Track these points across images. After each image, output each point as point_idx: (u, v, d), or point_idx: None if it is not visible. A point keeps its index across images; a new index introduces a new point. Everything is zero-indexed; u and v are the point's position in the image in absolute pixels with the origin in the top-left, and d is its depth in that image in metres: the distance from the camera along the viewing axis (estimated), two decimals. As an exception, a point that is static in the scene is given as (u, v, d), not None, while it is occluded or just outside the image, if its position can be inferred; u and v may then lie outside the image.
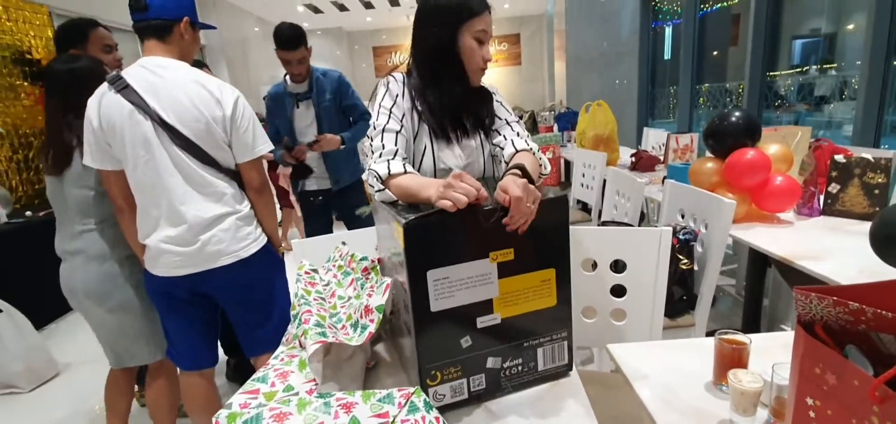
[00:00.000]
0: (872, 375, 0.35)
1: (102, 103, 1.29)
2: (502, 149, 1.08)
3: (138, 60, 1.33)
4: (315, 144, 2.25)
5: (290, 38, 2.17)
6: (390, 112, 1.05)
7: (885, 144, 2.97)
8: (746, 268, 2.06)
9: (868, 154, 1.67)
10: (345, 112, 2.39)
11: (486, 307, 0.81)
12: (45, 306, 2.68)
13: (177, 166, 1.31)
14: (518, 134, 1.09)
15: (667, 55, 5.82)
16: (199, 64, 2.04)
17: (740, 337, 0.81)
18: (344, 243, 1.16)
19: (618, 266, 1.32)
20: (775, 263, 1.89)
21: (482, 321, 0.81)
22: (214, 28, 1.77)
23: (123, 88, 1.28)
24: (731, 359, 0.80)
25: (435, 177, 1.06)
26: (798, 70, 4.34)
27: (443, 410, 0.83)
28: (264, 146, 1.42)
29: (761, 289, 2.04)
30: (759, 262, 1.98)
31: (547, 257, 0.83)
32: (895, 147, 2.93)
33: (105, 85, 1.30)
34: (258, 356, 1.53)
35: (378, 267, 1.05)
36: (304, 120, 2.32)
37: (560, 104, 6.65)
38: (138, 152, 1.29)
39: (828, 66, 4.27)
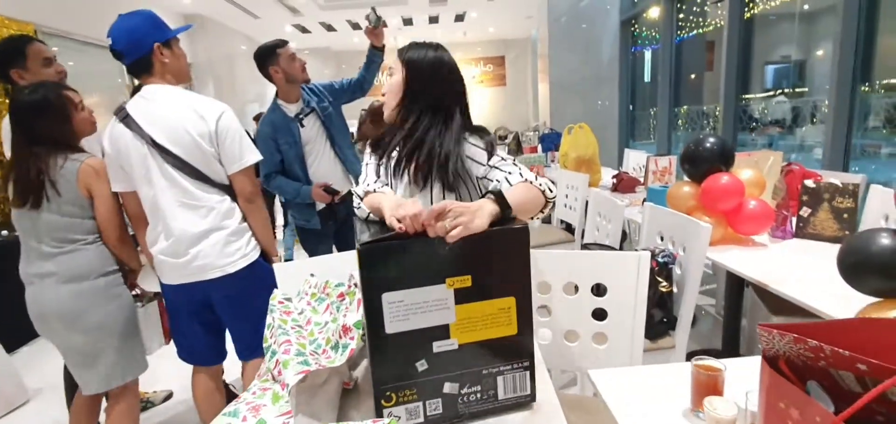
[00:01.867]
0: (833, 411, 0.36)
1: (112, 134, 1.45)
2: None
3: (140, 91, 1.48)
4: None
5: (281, 40, 2.23)
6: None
7: (856, 166, 3.08)
8: (725, 289, 2.11)
9: (837, 179, 1.73)
10: (345, 95, 2.40)
11: (442, 331, 0.81)
12: (15, 329, 2.57)
13: (170, 183, 1.43)
14: (510, 173, 1.07)
15: (646, 78, 5.99)
16: None
17: (715, 364, 0.82)
18: (312, 275, 1.15)
19: (599, 290, 1.34)
20: (752, 284, 1.93)
21: (439, 346, 0.81)
22: (190, 27, 1.78)
23: (124, 118, 1.43)
24: (707, 386, 0.81)
25: None
26: (770, 94, 4.50)
27: None
28: (251, 156, 1.49)
29: (739, 310, 2.08)
30: (737, 284, 2.03)
31: (506, 286, 0.82)
32: (864, 169, 3.05)
33: (113, 117, 1.46)
34: (247, 361, 1.66)
35: (354, 291, 1.04)
36: (312, 134, 2.27)
37: (544, 125, 6.76)
38: (140, 173, 1.44)
39: (799, 90, 4.44)
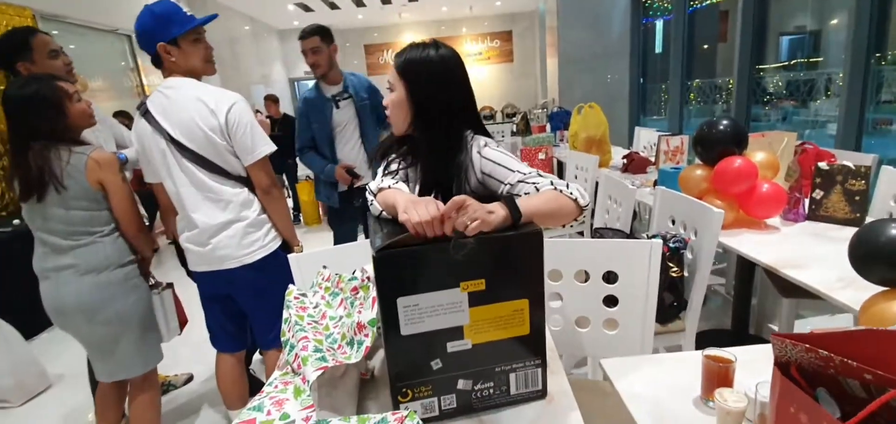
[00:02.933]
0: (839, 417, 0.38)
1: (137, 129, 1.52)
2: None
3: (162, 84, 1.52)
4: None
5: (304, 30, 2.35)
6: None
7: (871, 140, 3.02)
8: (735, 271, 2.11)
9: (849, 162, 1.71)
10: (376, 110, 2.49)
11: (456, 333, 0.83)
12: (34, 316, 2.64)
13: (188, 176, 1.48)
14: (538, 186, 0.97)
15: (658, 49, 5.87)
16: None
17: (726, 355, 0.84)
18: (325, 267, 1.18)
19: (610, 277, 1.35)
20: (762, 266, 1.94)
21: (452, 346, 0.83)
22: (210, 18, 1.57)
23: (145, 113, 1.48)
24: (718, 376, 0.83)
25: None
26: (784, 66, 4.40)
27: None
28: (265, 147, 1.49)
29: (750, 292, 2.09)
30: (748, 265, 2.03)
31: (520, 289, 0.83)
32: (875, 146, 3.00)
33: (136, 112, 1.53)
34: (268, 350, 1.72)
35: (367, 285, 1.07)
36: (344, 118, 2.39)
37: (552, 102, 6.68)
38: (162, 167, 1.50)
39: (813, 61, 4.33)
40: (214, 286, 1.61)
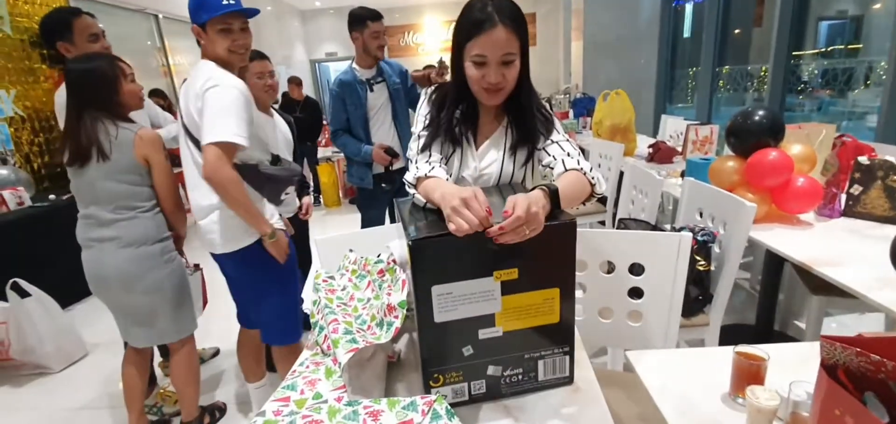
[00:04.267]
0: (887, 422, 0.37)
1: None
2: (552, 168, 1.07)
3: None
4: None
5: (376, 12, 2.38)
6: (425, 117, 1.15)
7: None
8: (763, 265, 2.06)
9: (892, 156, 1.64)
10: (408, 95, 2.54)
11: (488, 320, 0.84)
12: (70, 287, 2.77)
13: (189, 156, 1.53)
14: (568, 154, 1.06)
15: (686, 33, 5.67)
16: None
17: (758, 352, 0.83)
18: (351, 251, 1.19)
19: (635, 269, 1.34)
20: (791, 262, 1.89)
21: (484, 333, 0.84)
22: (235, 7, 1.48)
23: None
24: (749, 374, 0.82)
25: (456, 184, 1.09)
26: (822, 52, 4.21)
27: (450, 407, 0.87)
28: (224, 133, 1.36)
29: (777, 288, 2.04)
30: (776, 261, 1.98)
31: (551, 278, 0.84)
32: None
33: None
34: (246, 329, 1.81)
35: (393, 267, 1.08)
36: (378, 101, 2.43)
37: (575, 88, 6.55)
38: (182, 143, 1.56)
39: (853, 48, 4.13)
40: (221, 264, 1.67)
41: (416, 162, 1.09)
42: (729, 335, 1.64)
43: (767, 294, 2.02)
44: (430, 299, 0.80)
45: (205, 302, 1.94)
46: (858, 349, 0.42)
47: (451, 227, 0.77)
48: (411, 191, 1.02)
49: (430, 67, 4.14)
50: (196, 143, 1.48)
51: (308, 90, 7.75)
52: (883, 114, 2.77)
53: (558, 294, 0.85)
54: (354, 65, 2.40)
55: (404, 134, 2.49)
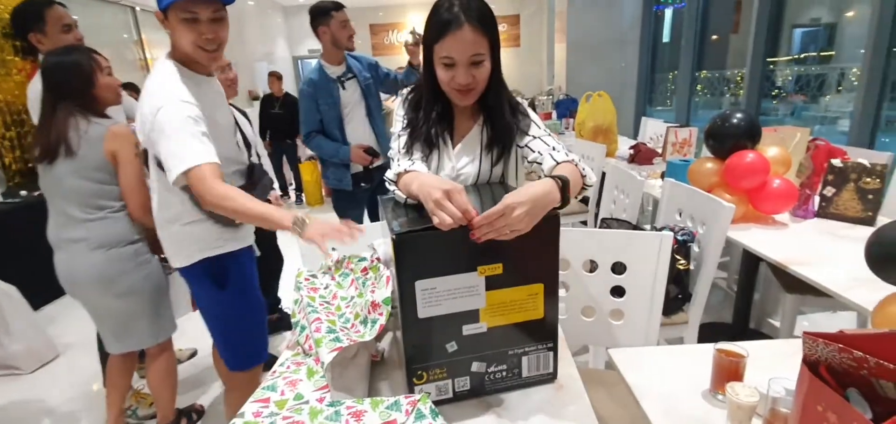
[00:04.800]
0: (870, 419, 0.38)
1: None
2: (540, 164, 1.05)
3: None
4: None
5: (339, 2, 2.27)
6: (403, 118, 1.14)
7: (885, 138, 2.98)
8: (739, 265, 2.11)
9: (864, 159, 1.70)
10: (383, 83, 2.47)
11: (472, 316, 0.83)
12: (41, 287, 2.68)
13: (148, 163, 1.38)
14: (554, 148, 1.05)
15: (665, 38, 5.78)
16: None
17: (738, 350, 0.84)
18: (334, 249, 1.16)
19: (617, 268, 1.35)
20: (767, 261, 1.93)
21: (468, 329, 0.84)
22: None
23: None
24: (729, 371, 0.83)
25: None
26: (795, 59, 4.34)
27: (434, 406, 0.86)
28: (193, 159, 1.15)
29: (753, 286, 2.09)
30: (752, 260, 2.03)
31: (536, 273, 0.84)
32: (892, 144, 2.97)
33: None
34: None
35: (377, 265, 1.06)
36: (352, 99, 2.34)
37: (559, 89, 6.61)
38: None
39: (826, 54, 4.28)
40: None
41: (398, 160, 1.08)
42: (707, 334, 1.67)
43: (744, 293, 2.07)
44: (414, 294, 0.80)
45: (194, 304, 1.87)
46: (841, 346, 0.42)
47: (435, 220, 0.76)
48: (392, 188, 1.01)
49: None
50: (150, 155, 1.31)
51: (290, 87, 7.64)
52: (856, 118, 2.86)
53: (542, 290, 0.86)
54: (323, 62, 2.28)
55: (380, 130, 2.42)
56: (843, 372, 0.43)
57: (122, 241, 1.53)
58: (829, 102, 4.12)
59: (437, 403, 0.88)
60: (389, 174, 1.03)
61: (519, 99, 1.18)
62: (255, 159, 1.57)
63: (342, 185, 2.41)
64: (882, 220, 1.70)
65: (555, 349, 0.91)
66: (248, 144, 1.58)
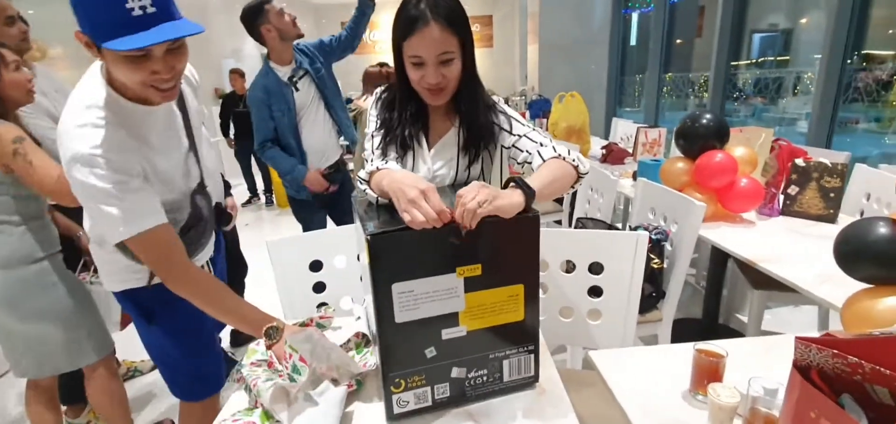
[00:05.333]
0: (866, 425, 0.37)
1: None
2: (530, 163, 1.04)
3: None
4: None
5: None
6: (376, 118, 1.11)
7: (845, 138, 3.13)
8: (708, 263, 2.16)
9: (826, 159, 1.76)
10: (333, 55, 2.29)
11: (451, 319, 0.81)
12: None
13: None
14: (542, 144, 1.04)
15: (632, 41, 5.92)
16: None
17: (717, 350, 0.84)
18: (257, 343, 1.01)
19: (594, 268, 1.35)
20: (735, 258, 1.99)
21: (447, 333, 0.81)
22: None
23: None
24: (708, 371, 0.83)
25: None
26: (755, 63, 4.53)
27: (409, 415, 0.84)
28: (118, 234, 0.95)
29: (721, 283, 2.14)
30: (721, 257, 2.08)
31: (515, 274, 0.82)
32: (845, 144, 3.12)
33: None
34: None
35: (358, 345, 1.01)
36: (307, 99, 2.17)
37: (531, 89, 6.67)
38: None
39: (782, 59, 4.49)
40: None
41: (372, 159, 1.05)
42: (677, 330, 1.70)
43: (713, 290, 2.12)
44: (391, 297, 0.76)
45: (123, 322, 1.73)
46: (835, 351, 0.42)
47: (407, 218, 0.74)
48: (364, 187, 0.98)
49: (383, 64, 4.06)
50: None
51: (258, 85, 7.40)
52: (814, 120, 2.99)
53: (523, 291, 0.84)
54: (272, 64, 2.10)
55: (340, 119, 2.28)
56: (836, 378, 0.43)
57: (25, 260, 1.35)
58: (786, 104, 4.32)
59: (415, 412, 0.84)
60: (362, 174, 1.00)
61: (495, 98, 1.16)
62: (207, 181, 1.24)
63: (301, 195, 2.26)
64: (843, 217, 1.77)
65: (536, 352, 0.89)
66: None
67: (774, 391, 0.74)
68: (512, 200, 0.78)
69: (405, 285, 0.76)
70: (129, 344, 1.62)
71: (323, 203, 2.34)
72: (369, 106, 1.15)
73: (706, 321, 2.17)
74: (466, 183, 1.12)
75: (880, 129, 3.50)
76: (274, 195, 5.43)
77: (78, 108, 0.96)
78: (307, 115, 2.18)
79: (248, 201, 5.48)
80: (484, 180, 1.15)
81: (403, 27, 0.96)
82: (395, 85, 1.11)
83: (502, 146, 1.12)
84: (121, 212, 0.94)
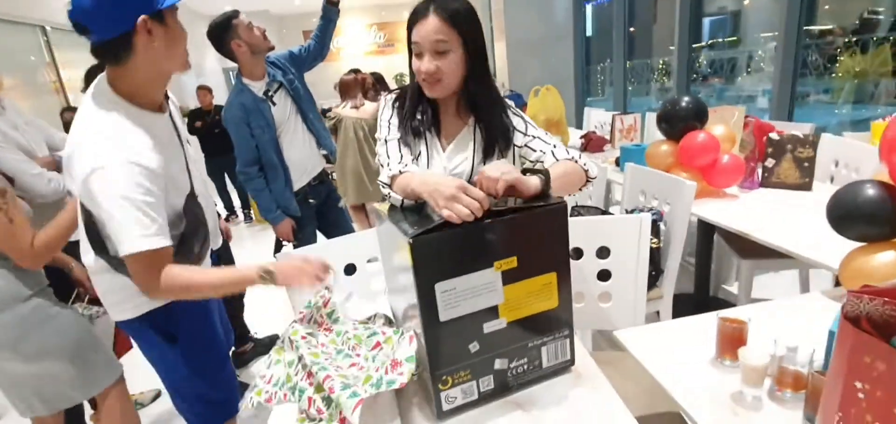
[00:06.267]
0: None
1: None
2: (542, 162, 1.09)
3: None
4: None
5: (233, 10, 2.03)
6: (389, 123, 1.14)
7: (799, 111, 3.33)
8: (697, 238, 2.27)
9: (798, 131, 1.89)
10: (304, 65, 2.26)
11: (492, 313, 0.84)
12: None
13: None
14: (555, 146, 1.11)
15: (589, 32, 6.11)
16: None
17: (740, 317, 0.91)
18: (328, 289, 1.08)
19: (601, 252, 1.41)
20: (719, 231, 2.10)
21: (489, 327, 0.85)
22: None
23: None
24: (732, 337, 0.89)
25: None
26: (708, 45, 4.77)
27: (458, 410, 0.86)
28: (129, 244, 0.96)
29: (710, 257, 2.25)
30: (708, 232, 2.19)
31: (548, 262, 0.86)
32: (802, 117, 3.33)
33: None
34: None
35: (391, 338, 1.00)
36: (285, 113, 2.12)
37: (502, 86, 6.77)
38: None
39: (731, 41, 4.75)
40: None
41: (389, 163, 1.08)
42: (675, 305, 1.79)
43: (703, 264, 2.23)
44: (435, 297, 0.79)
45: (125, 347, 1.68)
46: (886, 299, 0.47)
47: (447, 214, 0.77)
48: (386, 191, 1.02)
49: (357, 71, 4.04)
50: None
51: (222, 100, 7.22)
52: (775, 95, 3.16)
53: (556, 278, 0.87)
54: (245, 81, 2.03)
55: (318, 130, 2.24)
56: (884, 324, 0.48)
57: (18, 298, 1.30)
58: (742, 82, 4.56)
59: (462, 407, 0.87)
60: (383, 178, 1.04)
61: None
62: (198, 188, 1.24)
63: (290, 211, 2.21)
64: (817, 184, 1.90)
65: (571, 336, 0.93)
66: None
67: (795, 348, 0.81)
68: (530, 180, 0.85)
69: (447, 283, 0.79)
70: (128, 377, 1.57)
71: (309, 218, 2.31)
72: (381, 109, 1.17)
73: (698, 295, 2.28)
74: (472, 174, 1.16)
75: (831, 100, 3.76)
76: (252, 212, 5.31)
77: (96, 121, 1.00)
78: (287, 129, 2.14)
79: (226, 220, 5.35)
80: None
81: (410, 20, 1.04)
82: (405, 87, 1.15)
83: (515, 145, 1.16)
84: (145, 220, 0.96)
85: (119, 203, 0.94)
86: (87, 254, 1.15)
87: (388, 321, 1.06)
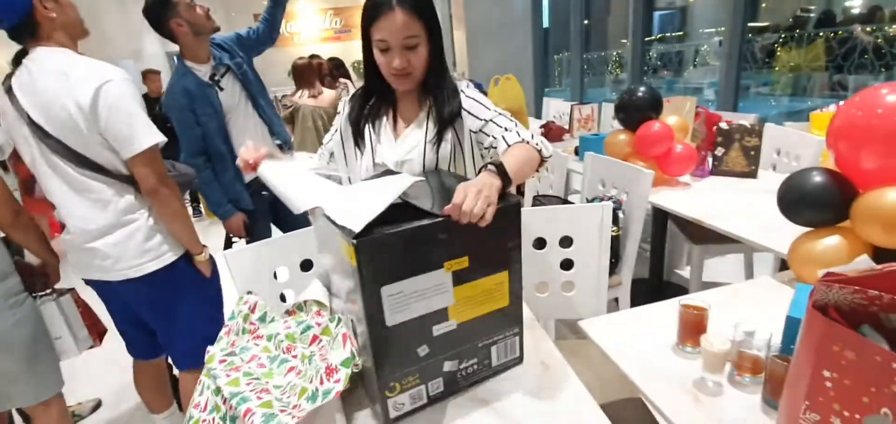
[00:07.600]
0: (888, 349, 0.42)
1: (2, 108, 1.26)
2: (495, 149, 1.04)
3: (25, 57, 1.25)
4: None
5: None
6: (346, 112, 1.16)
7: (741, 102, 3.50)
8: (651, 226, 2.34)
9: (745, 121, 1.97)
10: (254, 48, 2.12)
11: (441, 315, 0.80)
12: None
13: (54, 168, 1.24)
14: (506, 129, 1.03)
15: (545, 24, 6.19)
16: None
17: (700, 304, 0.92)
18: (249, 293, 1.00)
19: (563, 241, 1.41)
20: (672, 217, 2.17)
21: (438, 329, 0.81)
22: None
23: (8, 90, 1.23)
24: (694, 324, 0.90)
25: (373, 172, 1.08)
26: (659, 39, 4.95)
27: (406, 416, 0.82)
28: (147, 137, 1.22)
29: (664, 243, 2.33)
30: (662, 220, 2.26)
31: (500, 261, 0.84)
32: (745, 108, 3.51)
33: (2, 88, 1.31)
34: (184, 370, 1.52)
35: (328, 328, 0.91)
36: (233, 99, 1.97)
37: (462, 76, 6.73)
38: (28, 156, 1.26)
39: (678, 35, 4.96)
40: (107, 294, 1.39)
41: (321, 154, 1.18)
42: (632, 291, 1.83)
43: (657, 250, 2.30)
44: (381, 301, 0.74)
45: (99, 334, 1.54)
46: (856, 287, 0.47)
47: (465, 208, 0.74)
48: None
49: (314, 56, 3.88)
50: (69, 154, 1.20)
51: (168, 87, 6.77)
52: (722, 86, 3.30)
53: (507, 277, 0.85)
54: (189, 64, 1.89)
55: (270, 117, 2.11)
56: (852, 312, 0.48)
57: None
58: (689, 75, 4.77)
59: (411, 412, 0.83)
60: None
61: (466, 82, 1.16)
62: None
63: (242, 206, 2.07)
64: (761, 172, 1.99)
65: (520, 334, 0.91)
66: None
67: (753, 332, 0.83)
68: (495, 187, 0.80)
69: (394, 286, 0.74)
70: (67, 386, 1.44)
71: (262, 211, 2.17)
72: (342, 105, 1.15)
73: (653, 281, 2.35)
74: (436, 167, 1.11)
75: (770, 92, 3.99)
76: (201, 206, 5.02)
77: (64, 58, 1.19)
78: (236, 116, 2.00)
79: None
80: (454, 165, 1.15)
81: (369, 13, 0.98)
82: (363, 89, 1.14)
83: (470, 130, 1.12)
84: (149, 121, 1.23)
85: (135, 106, 1.20)
86: (90, 222, 1.25)
87: (320, 305, 0.97)
